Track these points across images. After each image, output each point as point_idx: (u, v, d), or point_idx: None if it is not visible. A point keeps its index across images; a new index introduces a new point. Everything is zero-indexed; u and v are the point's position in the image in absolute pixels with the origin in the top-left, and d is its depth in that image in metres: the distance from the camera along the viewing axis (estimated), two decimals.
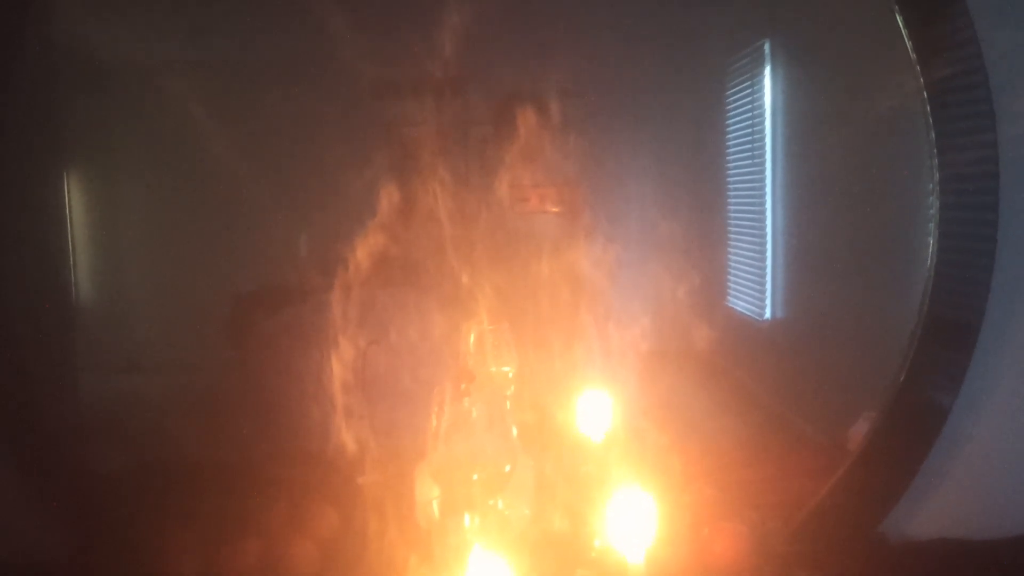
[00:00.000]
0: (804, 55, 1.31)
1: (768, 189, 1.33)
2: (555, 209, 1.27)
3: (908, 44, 1.08)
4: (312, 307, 1.18)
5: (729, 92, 1.38)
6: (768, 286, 1.34)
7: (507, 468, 0.89)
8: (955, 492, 1.14)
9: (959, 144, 1.07)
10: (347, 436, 1.03)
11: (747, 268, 1.37)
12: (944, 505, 1.14)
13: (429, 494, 0.90)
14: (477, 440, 0.88)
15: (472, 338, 1.06)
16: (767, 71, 1.32)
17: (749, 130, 1.35)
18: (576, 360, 1.13)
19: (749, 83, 1.34)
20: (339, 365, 1.07)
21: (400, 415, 1.12)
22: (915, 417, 1.12)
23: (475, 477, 0.86)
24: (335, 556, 1.01)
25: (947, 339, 1.11)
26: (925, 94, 1.08)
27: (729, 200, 1.39)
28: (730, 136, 1.39)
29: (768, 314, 1.35)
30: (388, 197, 1.10)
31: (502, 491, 0.89)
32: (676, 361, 1.26)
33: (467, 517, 0.86)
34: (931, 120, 1.08)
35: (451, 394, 0.90)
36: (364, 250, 1.09)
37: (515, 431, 0.94)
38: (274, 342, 1.22)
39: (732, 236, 1.39)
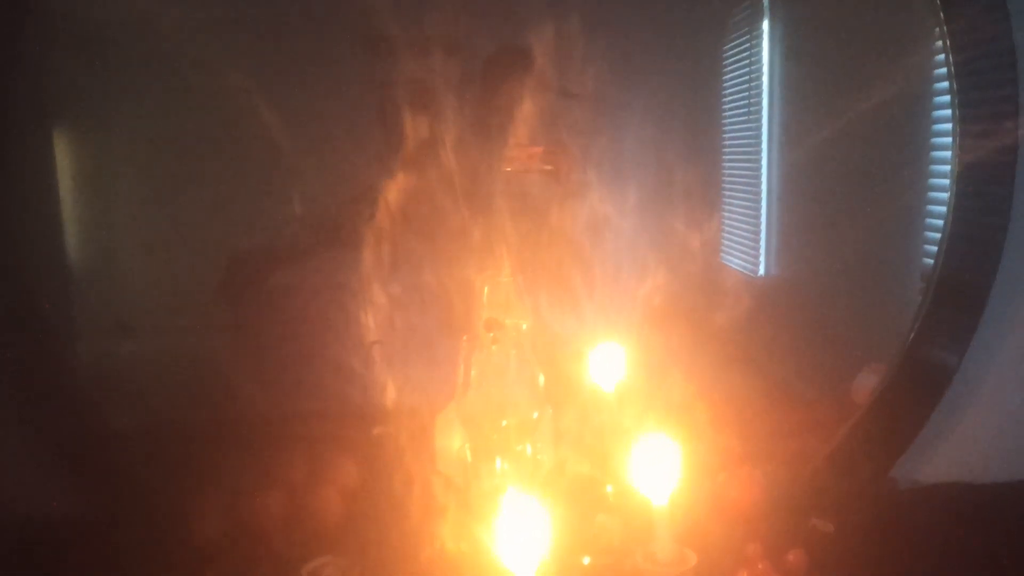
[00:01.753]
0: (806, 9, 1.30)
1: (764, 146, 1.33)
2: (548, 167, 1.26)
3: None
4: (311, 266, 1.18)
5: (727, 46, 1.37)
6: (762, 245, 1.35)
7: (535, 415, 0.89)
8: (962, 440, 1.19)
9: (977, 99, 1.07)
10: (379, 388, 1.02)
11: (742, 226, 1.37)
12: (952, 452, 1.19)
13: (458, 440, 0.91)
14: (506, 387, 0.89)
15: (486, 291, 1.05)
16: (765, 25, 1.30)
17: (746, 84, 1.34)
18: (568, 317, 1.14)
19: (747, 37, 1.33)
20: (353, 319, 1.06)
21: (415, 371, 1.11)
22: (924, 370, 1.15)
23: (504, 423, 0.87)
24: (362, 507, 1.02)
25: (957, 299, 1.13)
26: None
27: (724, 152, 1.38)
28: (727, 90, 1.38)
29: (762, 270, 1.37)
30: (385, 152, 1.10)
31: (530, 437, 0.90)
32: (689, 318, 1.27)
33: (498, 462, 0.87)
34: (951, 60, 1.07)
35: (479, 343, 0.90)
36: (362, 208, 1.08)
37: (542, 379, 0.94)
38: (276, 301, 1.21)
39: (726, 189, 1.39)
